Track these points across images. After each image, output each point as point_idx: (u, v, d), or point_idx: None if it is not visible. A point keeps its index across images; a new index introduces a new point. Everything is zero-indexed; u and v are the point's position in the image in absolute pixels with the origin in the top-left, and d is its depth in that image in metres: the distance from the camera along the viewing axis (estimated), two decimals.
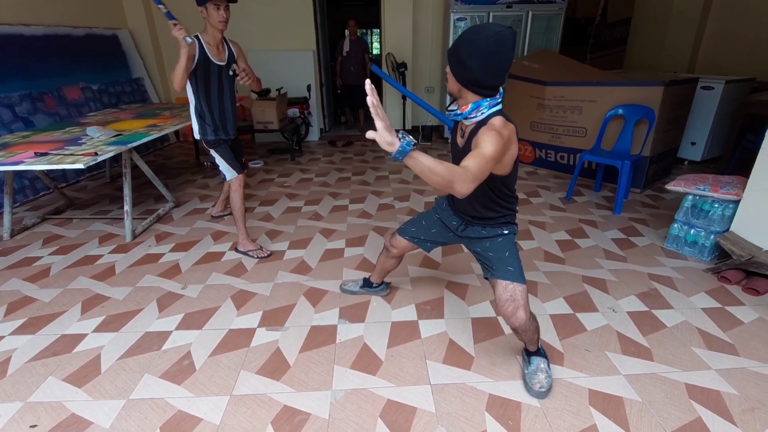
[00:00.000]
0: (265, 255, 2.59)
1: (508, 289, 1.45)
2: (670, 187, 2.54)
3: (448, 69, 1.33)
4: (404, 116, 5.85)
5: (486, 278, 1.55)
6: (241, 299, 2.18)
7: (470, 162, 1.17)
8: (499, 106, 1.33)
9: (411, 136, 1.07)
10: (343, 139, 5.73)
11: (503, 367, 1.69)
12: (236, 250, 2.66)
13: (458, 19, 5.13)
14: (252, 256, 2.59)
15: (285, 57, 5.56)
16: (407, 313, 2.05)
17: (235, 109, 2.60)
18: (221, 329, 1.95)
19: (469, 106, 1.31)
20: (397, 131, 1.06)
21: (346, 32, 5.47)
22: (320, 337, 1.89)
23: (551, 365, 1.67)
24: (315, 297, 2.20)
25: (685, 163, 4.41)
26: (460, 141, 1.46)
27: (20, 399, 1.56)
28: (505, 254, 1.51)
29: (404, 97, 5.67)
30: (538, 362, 1.61)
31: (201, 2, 2.23)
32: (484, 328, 1.93)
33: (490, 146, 1.20)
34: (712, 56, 4.99)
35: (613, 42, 5.75)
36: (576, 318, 1.99)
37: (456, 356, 1.76)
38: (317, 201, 3.58)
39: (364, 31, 10.82)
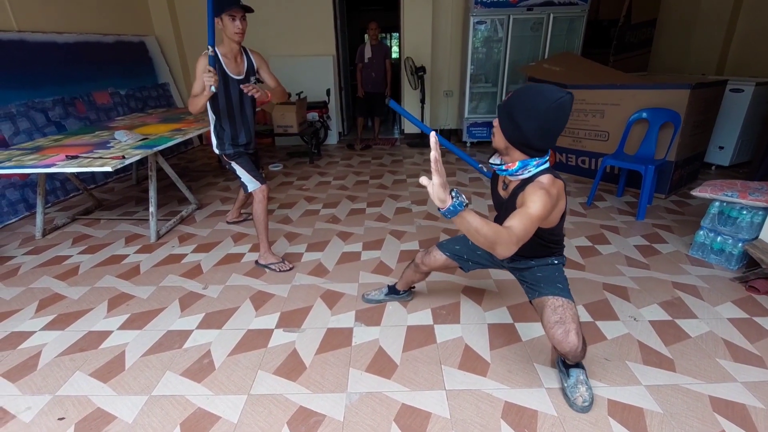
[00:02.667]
0: (287, 269, 2.50)
1: (557, 311, 1.37)
2: (696, 192, 2.47)
3: (496, 122, 1.31)
4: (422, 119, 5.85)
5: (530, 301, 1.50)
6: (260, 300, 2.22)
7: (516, 223, 1.16)
8: (547, 165, 1.31)
9: (464, 196, 1.08)
10: (362, 143, 5.76)
11: (520, 375, 1.67)
12: (257, 263, 2.56)
13: (478, 23, 5.11)
14: (274, 270, 2.49)
15: (305, 62, 5.64)
16: (423, 317, 2.05)
17: (254, 122, 2.54)
18: (240, 329, 1.99)
19: (516, 164, 1.29)
20: (452, 189, 1.06)
21: (367, 37, 5.51)
22: (336, 339, 1.91)
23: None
24: (332, 299, 2.22)
25: (713, 168, 4.27)
26: (502, 192, 1.47)
27: (49, 392, 1.63)
28: (554, 274, 1.49)
29: (422, 101, 5.68)
30: (578, 374, 1.54)
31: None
32: (500, 335, 1.91)
33: (538, 206, 1.18)
34: (743, 57, 4.83)
35: (637, 44, 5.62)
36: (596, 326, 1.95)
37: (472, 362, 1.75)
38: (335, 204, 3.61)
39: (384, 35, 10.88)
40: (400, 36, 5.95)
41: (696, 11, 5.29)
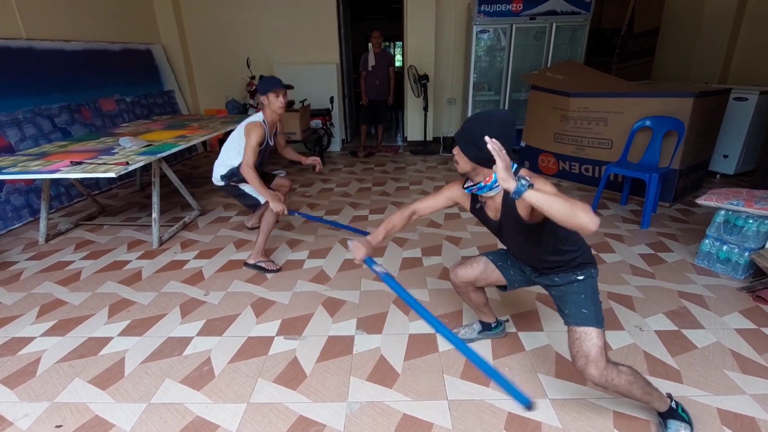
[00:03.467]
0: (275, 269, 2.57)
1: (576, 343, 1.32)
2: (701, 201, 2.45)
3: (456, 150, 1.36)
4: (425, 127, 5.87)
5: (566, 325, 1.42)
6: (261, 307, 2.21)
7: (564, 197, 1.12)
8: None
9: (527, 178, 1.15)
10: (365, 150, 5.77)
11: (524, 386, 1.65)
12: (245, 264, 2.63)
13: (481, 32, 5.14)
14: (262, 267, 2.57)
15: (309, 69, 5.68)
16: (425, 325, 2.02)
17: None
18: (240, 336, 1.98)
19: (493, 176, 1.32)
20: (515, 171, 1.12)
21: (370, 45, 5.55)
22: (337, 347, 1.89)
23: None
24: (333, 307, 2.20)
25: (717, 176, 4.25)
26: (493, 214, 1.45)
27: (48, 399, 1.62)
28: (580, 297, 1.39)
29: (425, 108, 5.70)
30: (677, 428, 1.37)
31: (263, 92, 2.50)
32: (503, 344, 1.89)
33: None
34: (746, 66, 4.82)
35: (639, 52, 5.63)
36: None
37: (474, 372, 1.72)
38: (337, 211, 3.61)
39: (387, 44, 10.97)
40: (403, 44, 5.99)
41: (699, 20, 5.31)
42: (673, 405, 1.40)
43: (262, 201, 2.55)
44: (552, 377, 1.68)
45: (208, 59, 5.98)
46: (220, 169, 2.65)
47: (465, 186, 1.46)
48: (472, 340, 1.92)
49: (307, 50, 5.80)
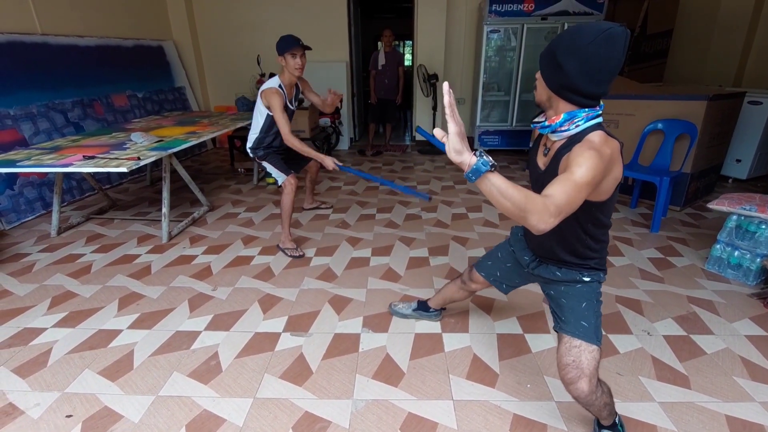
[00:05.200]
0: (298, 255, 2.72)
1: (572, 352, 1.18)
2: (712, 205, 2.42)
3: (537, 74, 1.12)
4: (434, 126, 5.84)
5: (555, 330, 1.30)
6: (268, 303, 2.22)
7: (556, 190, 0.94)
8: (600, 119, 1.09)
9: (490, 157, 0.90)
10: (373, 149, 5.78)
11: (530, 387, 1.64)
12: (278, 246, 2.82)
13: (491, 32, 5.11)
14: (287, 254, 2.73)
15: (319, 68, 5.69)
16: (431, 325, 2.03)
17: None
18: (248, 332, 1.99)
19: (561, 116, 1.07)
20: (476, 150, 0.90)
21: (380, 44, 5.55)
22: (343, 344, 1.90)
23: None
24: (339, 304, 2.21)
25: (729, 180, 4.19)
26: (542, 162, 1.20)
27: (58, 389, 1.64)
28: (581, 305, 1.24)
29: (434, 108, 5.69)
30: None
31: (280, 53, 2.53)
32: (510, 345, 1.89)
33: (586, 169, 0.96)
34: (761, 69, 4.75)
35: (652, 54, 5.57)
36: (608, 339, 1.91)
37: (480, 372, 1.72)
38: (345, 209, 3.62)
39: (397, 42, 10.95)
40: (413, 43, 5.98)
41: (713, 22, 5.23)
42: (616, 419, 1.37)
43: (280, 181, 2.74)
44: (558, 379, 1.67)
45: (218, 56, 6.02)
46: (249, 141, 2.80)
47: (533, 120, 1.20)
48: (406, 316, 2.06)
49: (317, 48, 5.74)
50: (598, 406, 1.23)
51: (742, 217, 2.33)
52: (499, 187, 0.89)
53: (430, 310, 2.01)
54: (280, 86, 2.58)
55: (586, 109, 1.07)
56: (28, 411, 1.54)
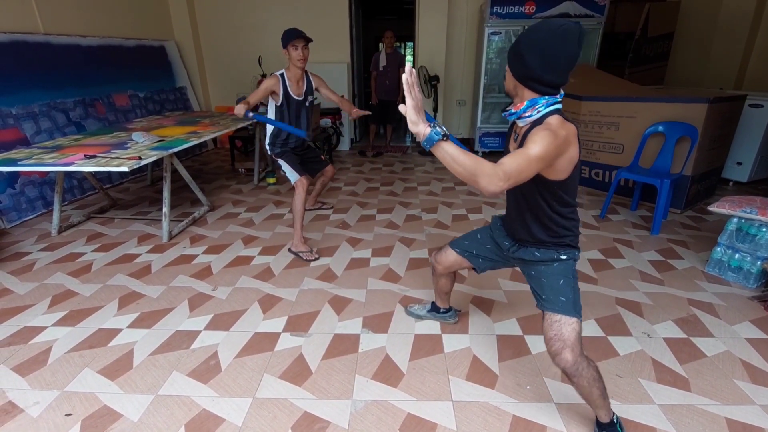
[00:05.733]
0: (313, 258, 2.70)
1: (554, 326, 1.27)
2: (713, 208, 2.42)
3: (507, 66, 1.24)
4: None
5: (538, 308, 1.39)
6: (268, 303, 2.22)
7: (508, 159, 1.06)
8: (559, 106, 1.21)
9: (445, 128, 1.04)
10: (373, 150, 5.78)
11: (529, 389, 1.64)
12: (289, 250, 2.79)
13: (492, 33, 5.11)
14: (302, 258, 2.70)
15: (320, 68, 5.63)
16: (431, 326, 2.02)
17: (310, 128, 2.91)
18: (247, 332, 1.99)
19: (524, 103, 1.20)
20: (433, 121, 1.02)
21: (381, 45, 5.55)
22: (343, 345, 1.90)
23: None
24: (339, 305, 2.21)
25: (730, 183, 4.19)
26: (512, 147, 1.33)
27: (58, 388, 1.64)
28: (559, 281, 1.33)
29: (435, 109, 5.69)
30: None
31: (284, 45, 2.58)
32: (509, 346, 1.88)
33: (539, 146, 1.07)
34: (762, 72, 4.75)
35: (653, 57, 5.57)
36: (608, 341, 1.91)
37: (480, 373, 1.72)
38: (345, 210, 3.62)
39: (399, 44, 10.97)
40: (414, 45, 5.99)
41: (714, 25, 5.24)
42: (615, 419, 1.38)
43: (293, 180, 2.72)
44: (558, 381, 1.67)
45: (220, 56, 6.03)
46: (266, 136, 2.81)
47: (503, 109, 1.32)
48: (420, 317, 2.07)
49: (319, 49, 5.78)
50: (587, 378, 1.27)
51: (743, 220, 2.33)
52: (451, 153, 1.03)
53: (441, 310, 2.01)
54: (281, 75, 2.64)
55: (546, 97, 1.19)
56: (28, 409, 1.54)
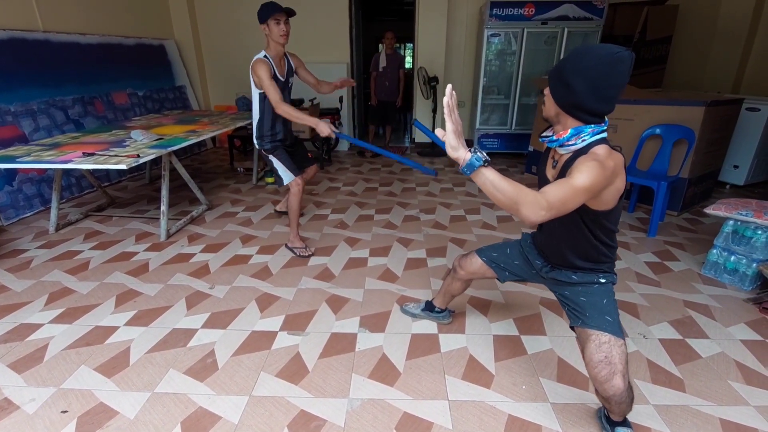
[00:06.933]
0: (307, 254, 2.70)
1: (602, 348, 1.19)
2: (709, 210, 2.43)
3: (546, 90, 1.20)
4: (434, 129, 5.87)
5: (571, 327, 1.32)
6: (265, 302, 2.23)
7: (552, 188, 1.02)
8: (604, 134, 1.16)
9: (485, 153, 1.00)
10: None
11: (525, 388, 1.65)
12: (286, 245, 2.80)
13: (492, 35, 5.13)
14: (297, 254, 2.71)
15: (320, 69, 5.65)
16: (428, 325, 2.03)
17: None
18: (244, 330, 1.99)
19: (568, 131, 1.15)
20: (471, 146, 1.00)
21: (381, 46, 5.56)
22: (340, 344, 1.90)
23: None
24: (337, 304, 2.21)
25: (727, 186, 4.21)
26: (551, 174, 1.28)
27: (54, 385, 1.64)
28: (602, 301, 1.27)
29: (434, 110, 5.70)
30: None
31: (262, 20, 2.37)
32: (505, 347, 1.89)
33: (586, 177, 1.03)
34: (760, 76, 4.77)
35: (652, 60, 5.59)
36: None
37: (476, 373, 1.73)
38: (344, 210, 3.62)
39: (398, 45, 10.99)
40: (414, 46, 6.00)
41: (712, 29, 5.26)
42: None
43: (286, 181, 2.62)
44: (554, 381, 1.68)
45: (219, 56, 6.03)
46: (254, 129, 2.66)
47: (542, 135, 1.28)
48: (415, 316, 2.07)
49: (319, 49, 5.82)
50: (627, 403, 1.24)
51: (739, 223, 2.34)
52: (492, 180, 0.99)
53: (436, 309, 2.01)
54: (266, 56, 2.44)
55: (592, 125, 1.15)
56: (24, 406, 1.54)
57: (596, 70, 1.06)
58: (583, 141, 1.15)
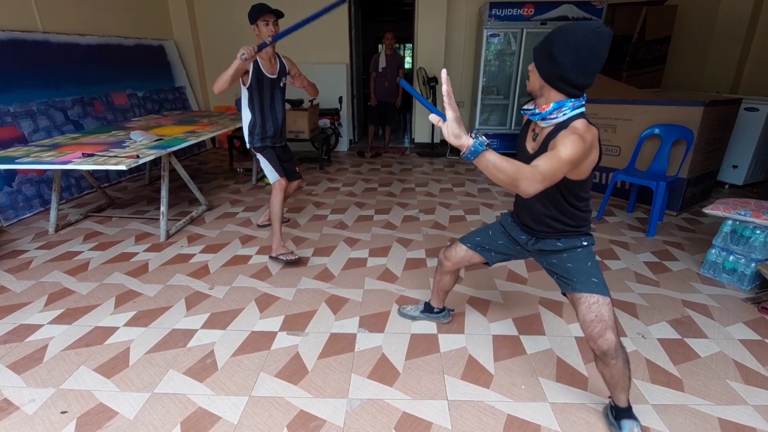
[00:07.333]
0: (293, 259, 2.57)
1: (593, 308, 1.29)
2: (708, 210, 2.44)
3: (531, 66, 1.26)
4: (433, 129, 5.87)
5: (564, 294, 1.42)
6: (265, 302, 2.23)
7: (542, 162, 1.11)
8: (583, 109, 1.23)
9: (484, 137, 1.04)
10: (372, 151, 5.79)
11: (524, 388, 1.65)
12: (270, 257, 2.66)
13: (491, 36, 5.14)
14: (284, 260, 2.58)
15: (319, 69, 5.71)
16: (427, 326, 2.03)
17: (285, 118, 2.76)
18: (244, 330, 2.00)
19: (551, 105, 1.22)
20: (471, 132, 1.04)
21: (380, 46, 5.57)
22: (339, 344, 1.91)
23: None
24: (336, 304, 2.22)
25: (726, 186, 4.22)
26: (531, 146, 1.36)
27: (53, 385, 1.64)
28: (587, 264, 1.37)
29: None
30: (631, 427, 1.37)
31: (252, 21, 2.45)
32: (505, 346, 1.89)
33: (570, 149, 1.12)
34: (758, 77, 4.78)
35: (650, 60, 5.60)
36: None
37: (475, 373, 1.73)
38: (343, 210, 3.62)
39: (397, 45, 11.00)
40: (413, 46, 6.01)
41: (711, 30, 5.27)
42: (630, 401, 1.42)
43: (272, 180, 2.63)
44: (553, 381, 1.68)
45: (219, 56, 6.03)
46: (244, 125, 2.69)
47: (524, 108, 1.35)
48: (414, 318, 2.07)
49: (318, 50, 5.83)
50: (623, 359, 1.30)
51: (737, 222, 2.35)
52: (494, 162, 1.04)
53: (435, 310, 2.01)
54: (273, 47, 2.50)
55: (573, 99, 1.22)
56: (23, 407, 1.54)
57: (582, 43, 1.13)
58: (564, 115, 1.22)
